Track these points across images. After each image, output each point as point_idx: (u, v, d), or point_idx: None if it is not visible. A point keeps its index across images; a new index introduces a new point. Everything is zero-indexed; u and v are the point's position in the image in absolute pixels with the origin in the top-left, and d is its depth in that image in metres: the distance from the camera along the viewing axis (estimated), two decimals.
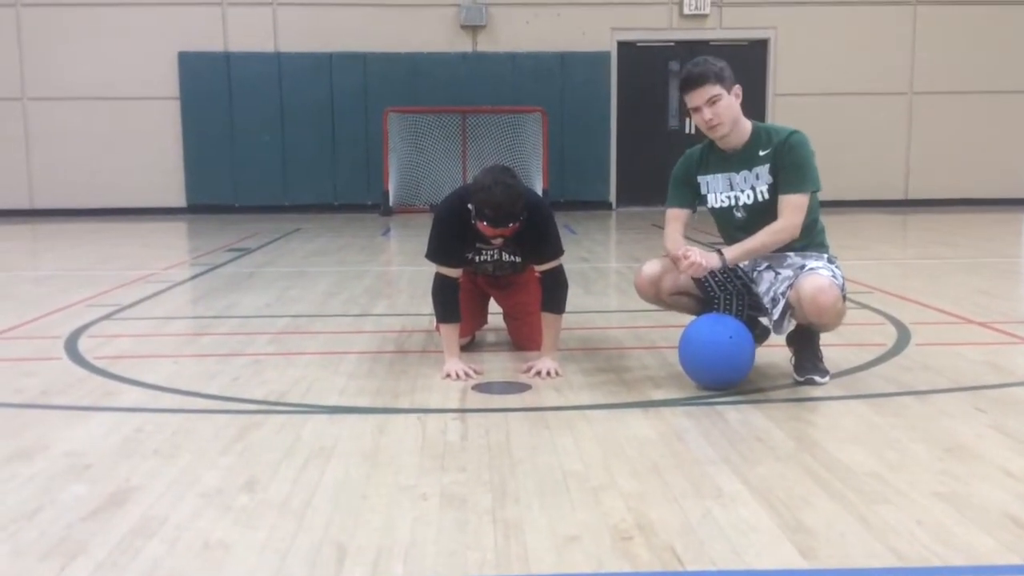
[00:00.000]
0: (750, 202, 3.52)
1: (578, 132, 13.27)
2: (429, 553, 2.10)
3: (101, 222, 11.96)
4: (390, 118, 12.79)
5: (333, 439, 2.94)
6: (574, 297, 4.24)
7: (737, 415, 3.17)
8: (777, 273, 3.51)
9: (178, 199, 13.14)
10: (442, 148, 13.03)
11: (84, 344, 4.41)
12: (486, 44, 13.29)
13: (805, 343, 3.55)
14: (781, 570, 2.02)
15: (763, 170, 3.48)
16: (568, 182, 13.21)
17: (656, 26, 13.37)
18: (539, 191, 11.84)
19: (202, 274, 7.03)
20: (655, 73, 13.51)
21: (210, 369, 3.94)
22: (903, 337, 4.36)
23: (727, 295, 3.64)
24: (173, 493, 2.49)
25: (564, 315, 3.89)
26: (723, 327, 3.42)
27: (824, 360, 3.57)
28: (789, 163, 3.43)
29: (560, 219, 4.43)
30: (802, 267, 3.46)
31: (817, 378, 3.50)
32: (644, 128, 13.46)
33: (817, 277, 3.35)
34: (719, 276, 3.60)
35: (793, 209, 3.42)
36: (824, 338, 3.61)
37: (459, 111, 12.98)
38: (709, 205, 3.65)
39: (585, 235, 9.83)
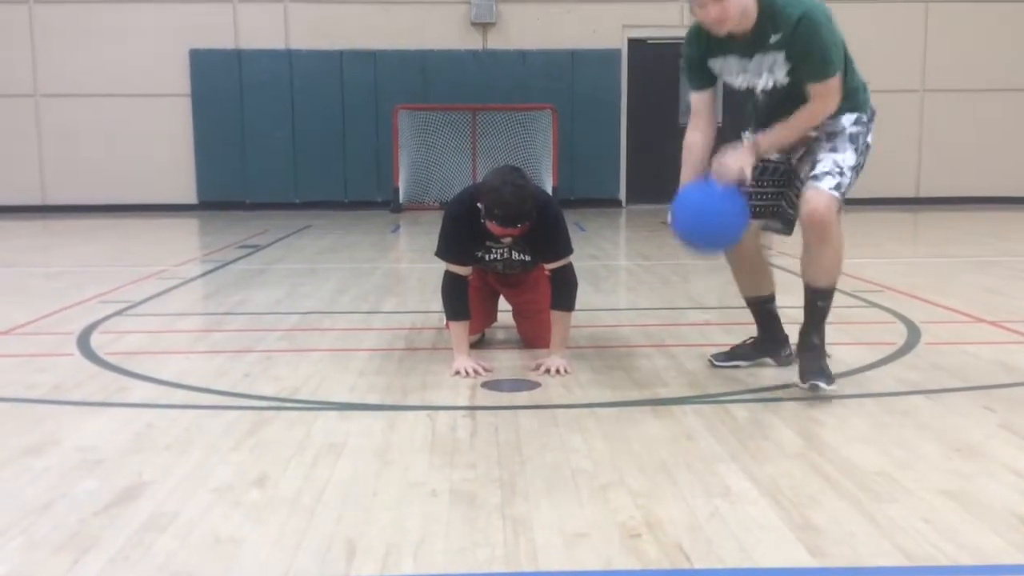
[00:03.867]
0: (769, 88, 3.33)
1: (588, 129, 13.27)
2: (438, 549, 2.12)
3: (113, 218, 12.00)
4: (400, 115, 12.80)
5: (343, 435, 2.95)
6: (583, 295, 4.25)
7: (746, 413, 3.17)
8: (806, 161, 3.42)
9: (189, 196, 13.19)
10: (452, 145, 13.04)
11: (96, 340, 4.44)
12: (496, 41, 13.29)
13: (809, 349, 3.41)
14: (789, 568, 2.03)
15: (779, 57, 3.25)
16: (578, 179, 13.21)
17: (667, 23, 13.34)
18: (549, 188, 11.84)
19: (213, 271, 7.06)
20: (666, 70, 13.48)
21: (221, 365, 3.96)
22: (913, 336, 4.35)
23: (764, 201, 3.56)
24: (184, 488, 2.51)
25: (573, 313, 3.90)
26: (709, 184, 3.34)
27: (830, 361, 3.46)
28: (806, 53, 3.19)
29: (570, 217, 4.44)
30: (813, 168, 3.32)
31: (822, 384, 3.33)
32: (654, 125, 13.44)
33: (817, 194, 3.25)
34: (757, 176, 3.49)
35: (824, 95, 3.24)
36: (834, 336, 3.59)
37: (469, 108, 12.98)
38: (728, 84, 3.45)
39: (595, 233, 9.83)
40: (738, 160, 3.29)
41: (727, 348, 3.88)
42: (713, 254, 3.48)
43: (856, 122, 3.38)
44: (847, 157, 3.33)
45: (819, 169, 3.31)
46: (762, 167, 3.51)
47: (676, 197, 3.39)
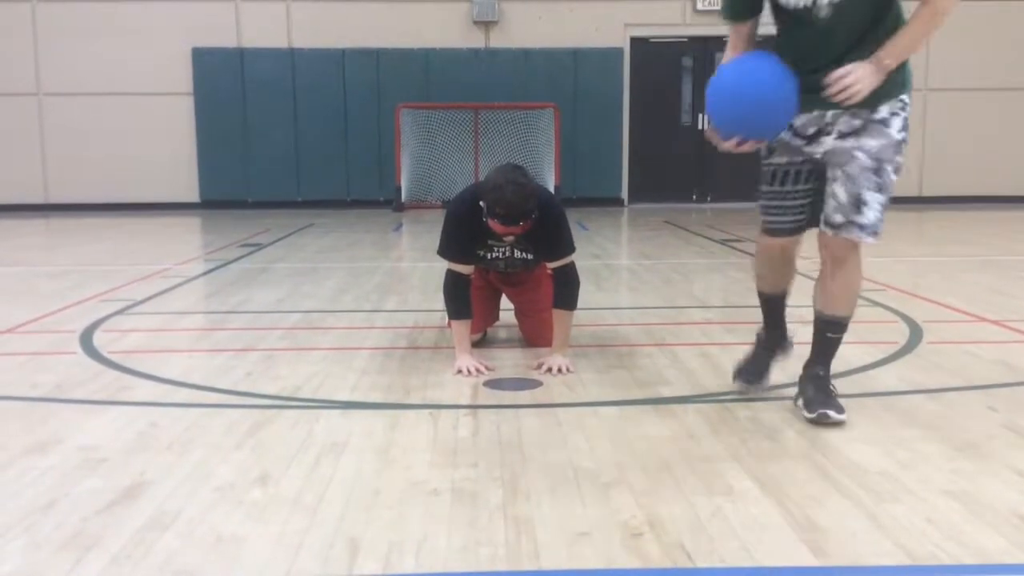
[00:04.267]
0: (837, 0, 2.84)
1: (591, 128, 13.27)
2: (440, 548, 2.12)
3: (115, 217, 12.01)
4: (402, 114, 12.81)
5: (345, 434, 2.95)
6: (585, 294, 4.25)
7: (748, 413, 3.17)
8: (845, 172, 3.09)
9: (191, 194, 13.21)
10: (454, 144, 13.05)
11: (99, 339, 4.44)
12: (499, 40, 13.29)
13: (814, 379, 3.13)
14: (791, 567, 2.02)
15: None
16: (580, 178, 13.21)
17: (669, 22, 13.34)
18: (551, 187, 11.84)
19: (215, 269, 7.07)
20: (668, 69, 13.49)
21: (223, 364, 3.96)
22: (915, 335, 4.35)
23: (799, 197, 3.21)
24: (187, 487, 2.51)
25: (575, 312, 3.90)
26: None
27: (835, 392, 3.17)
28: None
29: (572, 215, 4.43)
30: (858, 208, 2.99)
31: (832, 412, 3.01)
32: (657, 124, 13.45)
33: (847, 239, 2.99)
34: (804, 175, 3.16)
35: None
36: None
37: (471, 107, 12.99)
38: (781, 2, 2.93)
39: (597, 232, 9.83)
40: (865, 72, 2.82)
41: (747, 364, 3.47)
42: (751, 127, 2.89)
43: (904, 119, 3.03)
44: (885, 183, 3.07)
45: (864, 216, 3.01)
46: (807, 173, 3.18)
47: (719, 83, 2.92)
